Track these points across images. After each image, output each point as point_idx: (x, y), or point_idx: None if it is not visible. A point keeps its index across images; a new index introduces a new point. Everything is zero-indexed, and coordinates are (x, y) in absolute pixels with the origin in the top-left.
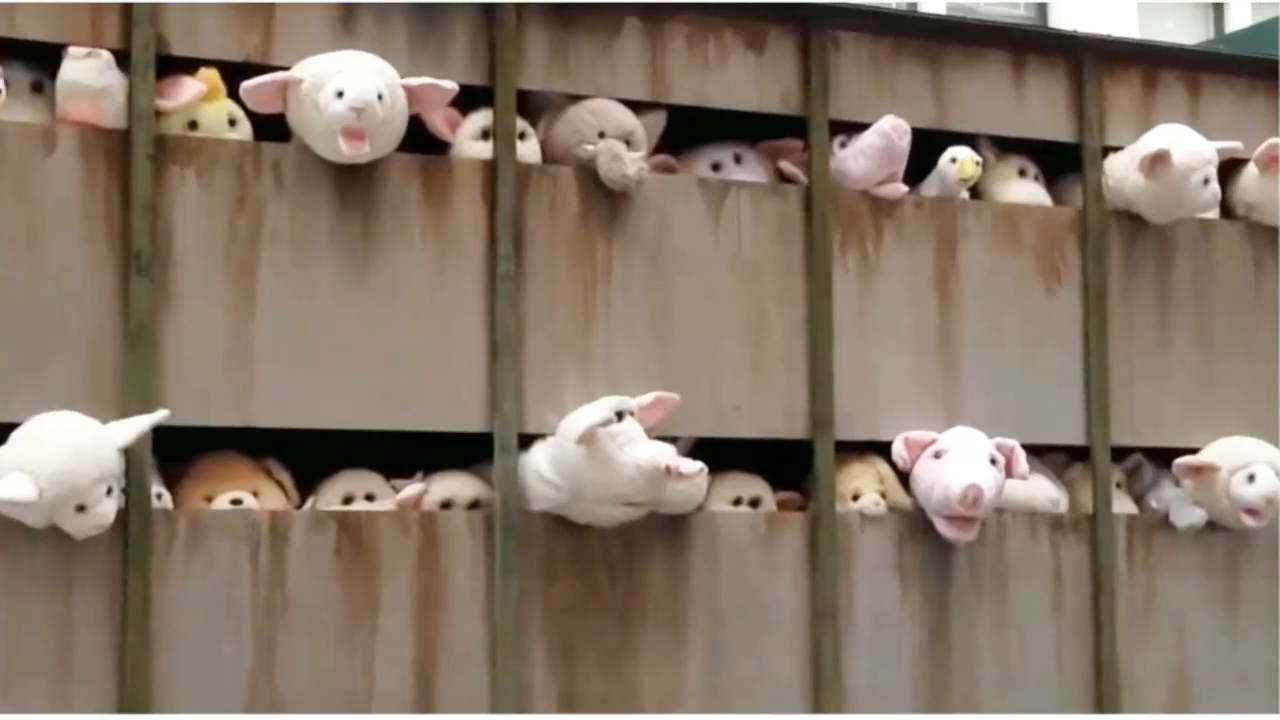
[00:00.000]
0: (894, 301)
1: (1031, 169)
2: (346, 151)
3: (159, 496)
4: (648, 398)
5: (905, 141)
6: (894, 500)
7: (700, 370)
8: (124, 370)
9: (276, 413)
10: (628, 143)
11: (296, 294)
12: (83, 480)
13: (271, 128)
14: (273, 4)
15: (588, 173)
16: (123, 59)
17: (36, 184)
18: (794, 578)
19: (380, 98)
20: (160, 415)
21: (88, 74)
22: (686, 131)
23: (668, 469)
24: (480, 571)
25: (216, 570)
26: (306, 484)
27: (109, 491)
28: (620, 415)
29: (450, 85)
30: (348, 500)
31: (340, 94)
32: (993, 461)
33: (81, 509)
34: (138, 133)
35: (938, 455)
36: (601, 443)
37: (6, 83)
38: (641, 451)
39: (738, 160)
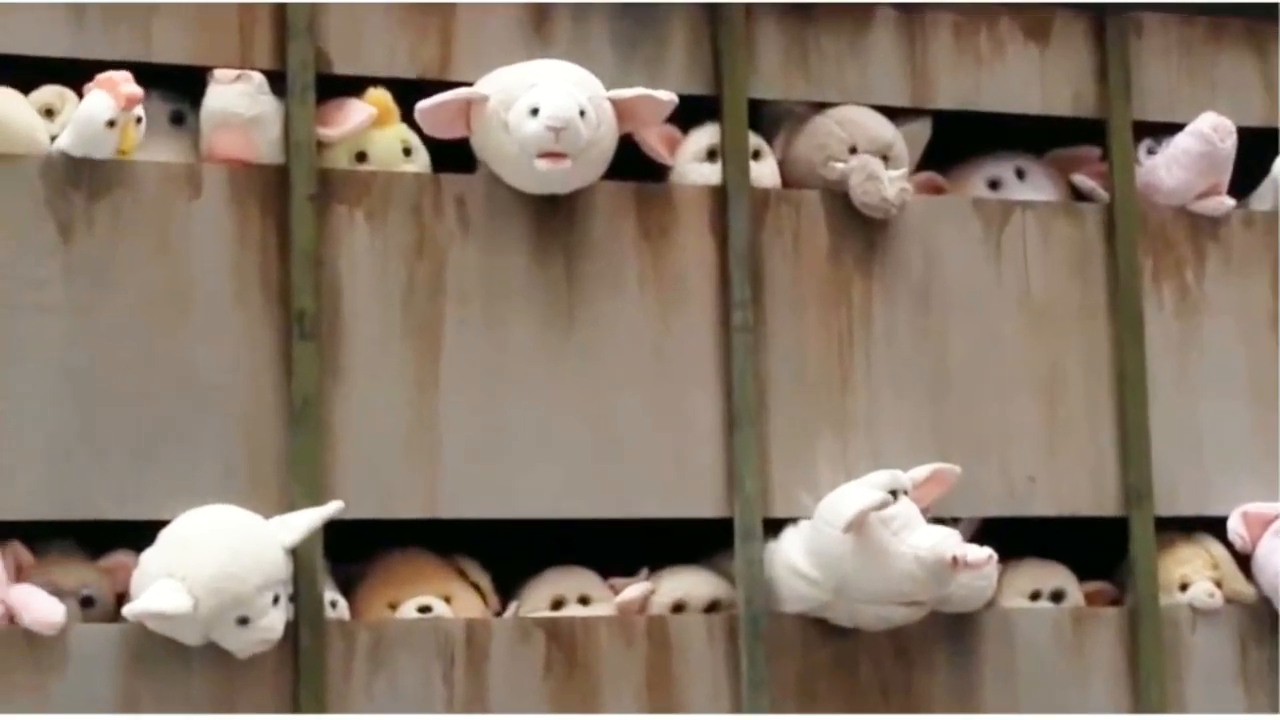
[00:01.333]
0: (1222, 344)
1: None
2: (544, 170)
3: (333, 604)
4: (922, 471)
5: (1230, 144)
6: (1232, 590)
7: (984, 436)
8: (287, 454)
9: (468, 502)
10: (885, 158)
11: (488, 357)
12: (245, 587)
13: (453, 156)
14: (453, 4)
15: (838, 197)
16: (277, 81)
17: (179, 234)
18: (1109, 688)
19: (583, 114)
20: (334, 508)
21: (237, 100)
22: (956, 142)
23: (955, 560)
24: (723, 689)
25: (404, 692)
26: (506, 586)
27: (275, 600)
28: (895, 494)
29: (668, 97)
30: (557, 604)
31: (535, 111)
32: None
33: (244, 621)
34: (297, 168)
35: None
36: (872, 530)
37: (143, 114)
38: (922, 539)
39: (1020, 175)
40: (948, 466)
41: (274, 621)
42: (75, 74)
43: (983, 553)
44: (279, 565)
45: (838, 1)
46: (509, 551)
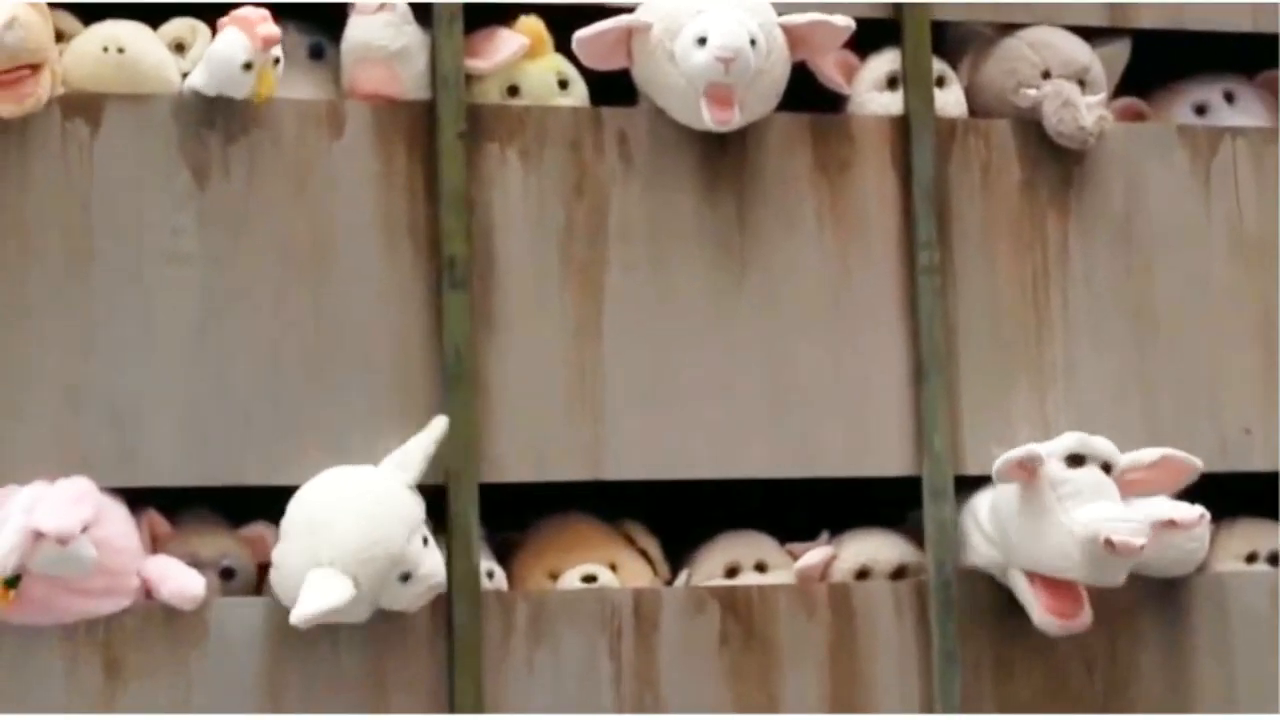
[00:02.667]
0: None
1: None
2: (711, 122)
3: (490, 575)
4: (1150, 454)
5: None
6: None
7: (1194, 385)
8: (439, 413)
9: (634, 463)
10: (1081, 83)
11: (654, 305)
12: (394, 545)
13: (612, 88)
14: None
15: (1030, 126)
16: (421, 11)
17: (321, 176)
18: None
19: (753, 43)
20: (440, 426)
21: (381, 32)
22: (1157, 64)
23: (1108, 543)
24: (911, 661)
25: (567, 667)
26: (676, 552)
27: (425, 542)
28: (1079, 460)
29: (845, 22)
30: (731, 572)
31: (702, 41)
32: None
33: (406, 577)
34: (445, 104)
35: None
36: (1040, 493)
37: (280, 55)
38: (1084, 514)
39: (1229, 99)
40: (1182, 456)
41: (433, 565)
42: (206, 5)
43: (1193, 511)
44: (412, 507)
45: None
46: (677, 515)
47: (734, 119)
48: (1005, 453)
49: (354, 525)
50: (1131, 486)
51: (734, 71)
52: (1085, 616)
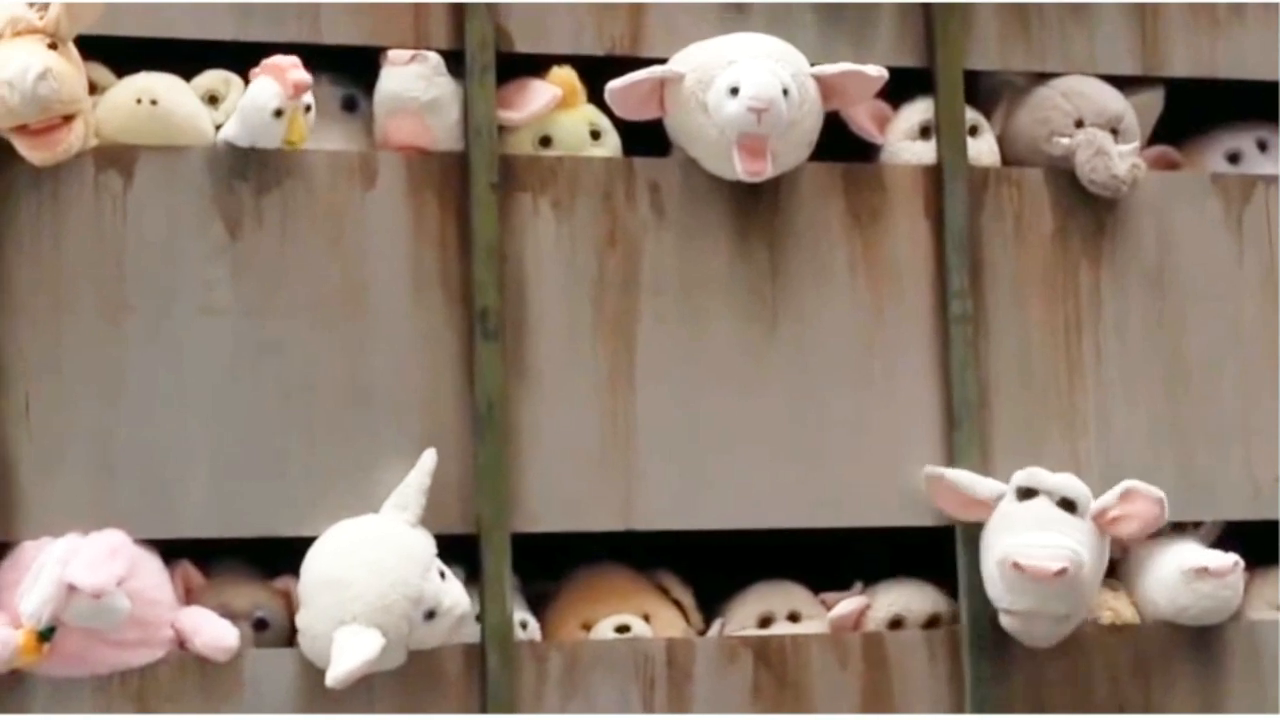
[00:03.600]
0: None
1: None
2: (743, 174)
3: (524, 625)
4: (1115, 491)
5: None
6: None
7: (1226, 433)
8: (472, 464)
9: (666, 512)
10: (1114, 132)
11: (687, 355)
12: (410, 586)
13: (643, 138)
14: None
15: (1062, 175)
16: (453, 62)
17: (353, 228)
18: None
19: (786, 93)
20: (428, 461)
21: (413, 83)
22: (1189, 113)
23: (1015, 565)
24: (945, 710)
25: (602, 718)
26: (708, 602)
27: (443, 575)
28: (1029, 493)
29: (879, 71)
30: (765, 622)
31: (735, 91)
32: None
33: (431, 615)
34: (477, 155)
35: None
36: (989, 528)
37: (312, 102)
38: (1005, 539)
39: (1262, 147)
40: (1145, 489)
41: (455, 597)
42: (239, 57)
43: (1227, 559)
44: (420, 545)
45: None
46: (709, 564)
47: (766, 170)
48: None
49: (368, 576)
50: (1113, 525)
51: (766, 122)
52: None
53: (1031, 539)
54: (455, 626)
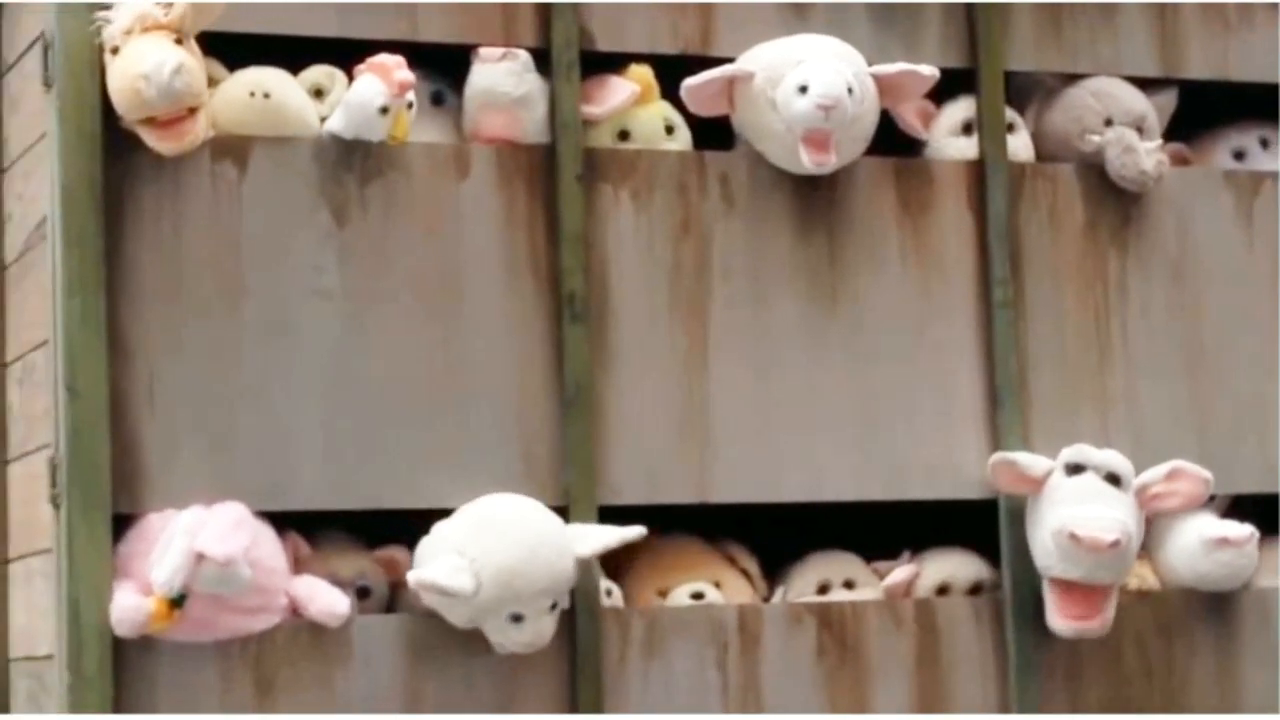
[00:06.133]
0: None
1: None
2: (810, 165)
3: (609, 593)
4: (1162, 469)
5: None
6: None
7: (1242, 412)
8: (560, 441)
9: (738, 486)
10: (1139, 130)
11: (755, 337)
12: (530, 588)
13: (706, 133)
14: None
15: (1092, 170)
16: (539, 59)
17: (449, 216)
18: None
19: (850, 91)
20: (634, 532)
21: (504, 79)
22: (1197, 111)
23: (1073, 536)
24: (990, 671)
25: (678, 679)
26: (767, 570)
27: (553, 607)
28: (1078, 468)
29: (931, 71)
30: (823, 589)
31: (804, 89)
32: None
33: (518, 619)
34: (564, 148)
35: None
36: (1040, 500)
37: (414, 100)
38: (1059, 512)
39: (1264, 145)
40: (1192, 468)
41: (545, 628)
42: (338, 52)
43: (1244, 530)
44: (567, 574)
45: None
46: (765, 533)
47: (831, 161)
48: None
49: (510, 549)
50: (1154, 501)
51: (833, 118)
52: (1101, 619)
53: (1086, 511)
54: (516, 646)
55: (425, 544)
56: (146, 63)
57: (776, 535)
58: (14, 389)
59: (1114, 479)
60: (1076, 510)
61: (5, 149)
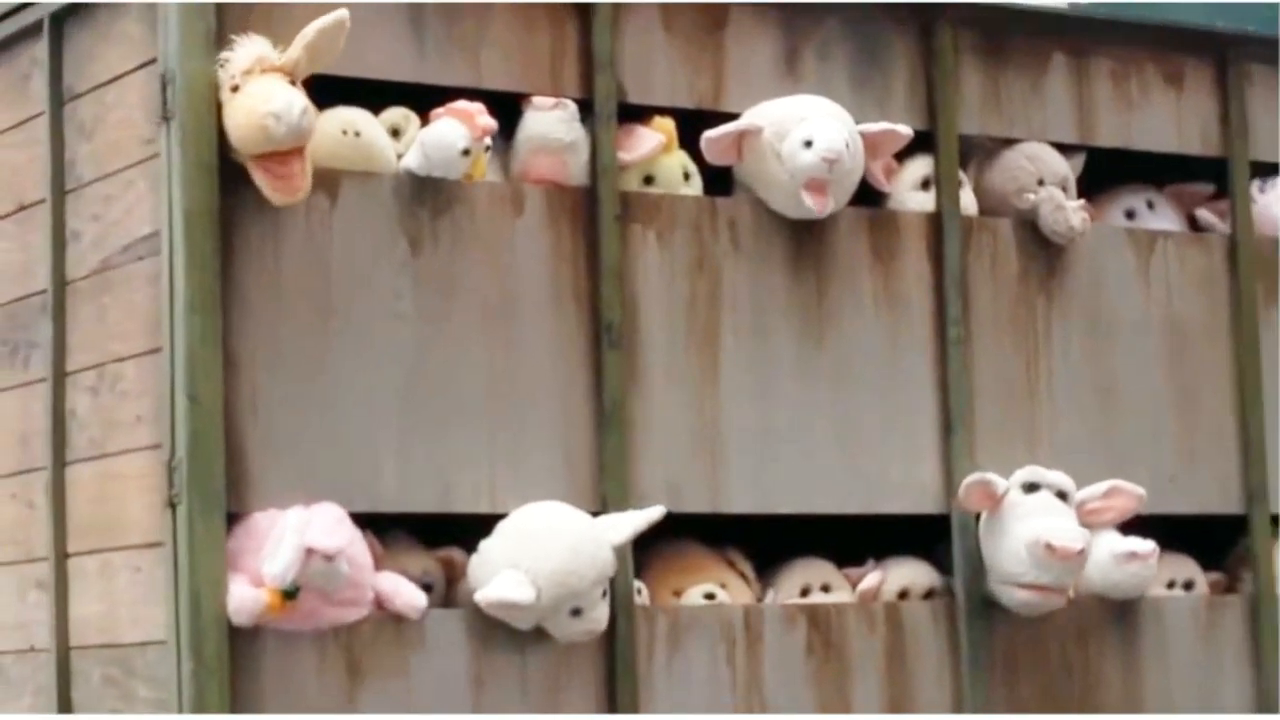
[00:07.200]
0: None
1: None
2: (812, 208)
3: (639, 591)
4: (1101, 486)
5: None
6: None
7: (1140, 442)
8: (599, 454)
9: (746, 498)
10: (1064, 190)
11: (758, 365)
12: (582, 583)
13: (713, 180)
14: (722, 45)
15: (1025, 224)
16: (580, 109)
17: (506, 249)
18: (1236, 669)
19: (847, 146)
20: (656, 513)
21: (556, 126)
22: (1096, 173)
23: (1048, 546)
24: (945, 666)
25: (695, 672)
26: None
27: (604, 594)
28: (1033, 486)
29: (907, 131)
30: (804, 592)
31: (809, 143)
32: None
33: (577, 613)
34: (604, 191)
35: None
36: (1002, 514)
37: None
38: (1031, 525)
39: (1150, 206)
40: (1127, 486)
41: (602, 614)
42: (407, 96)
43: (1148, 545)
44: (609, 562)
45: (1025, 42)
46: (743, 538)
47: (829, 207)
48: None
49: (557, 553)
50: (1092, 515)
51: (835, 170)
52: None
53: (1053, 523)
54: (582, 634)
55: (475, 562)
56: (276, 102)
57: (750, 540)
58: (81, 396)
59: (1063, 495)
60: (1044, 523)
61: (73, 172)
